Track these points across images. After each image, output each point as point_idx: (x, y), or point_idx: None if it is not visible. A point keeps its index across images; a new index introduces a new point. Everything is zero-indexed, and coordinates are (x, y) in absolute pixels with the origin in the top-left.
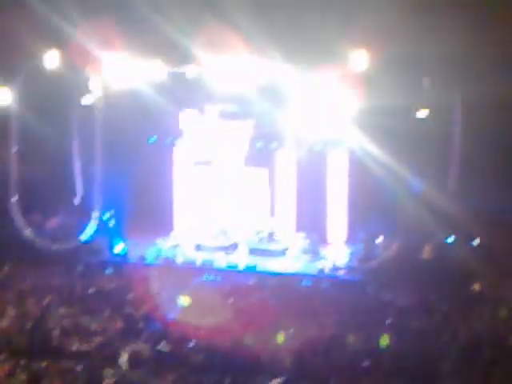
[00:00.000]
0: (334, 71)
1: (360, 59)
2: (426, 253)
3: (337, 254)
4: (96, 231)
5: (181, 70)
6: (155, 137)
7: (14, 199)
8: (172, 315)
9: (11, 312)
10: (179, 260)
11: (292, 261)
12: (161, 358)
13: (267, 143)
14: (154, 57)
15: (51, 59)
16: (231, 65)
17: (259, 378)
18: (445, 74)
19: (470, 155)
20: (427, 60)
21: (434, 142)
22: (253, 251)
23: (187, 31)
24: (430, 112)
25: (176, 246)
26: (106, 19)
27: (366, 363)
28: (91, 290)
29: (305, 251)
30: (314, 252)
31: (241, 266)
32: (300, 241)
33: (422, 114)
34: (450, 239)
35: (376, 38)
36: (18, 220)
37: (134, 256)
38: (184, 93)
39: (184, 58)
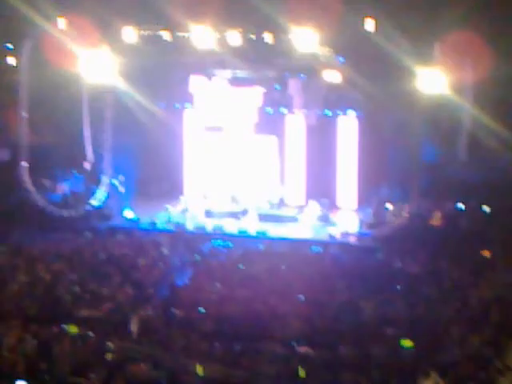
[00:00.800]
0: (345, 36)
1: (370, 25)
2: (436, 220)
3: (347, 221)
4: (106, 197)
5: (190, 35)
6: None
7: (24, 165)
8: (182, 281)
9: (22, 278)
10: (189, 226)
11: (302, 227)
12: (171, 325)
13: (277, 109)
14: (164, 23)
15: (61, 25)
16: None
17: (269, 344)
18: (457, 41)
19: (481, 123)
20: (439, 26)
21: (445, 110)
22: (263, 217)
23: None
24: (441, 79)
25: (186, 212)
26: None
27: (375, 329)
28: (101, 256)
29: (315, 217)
30: (324, 218)
31: (251, 232)
32: (310, 207)
33: (434, 80)
34: (461, 206)
35: (388, 5)
36: (29, 186)
37: (144, 221)
38: (193, 58)
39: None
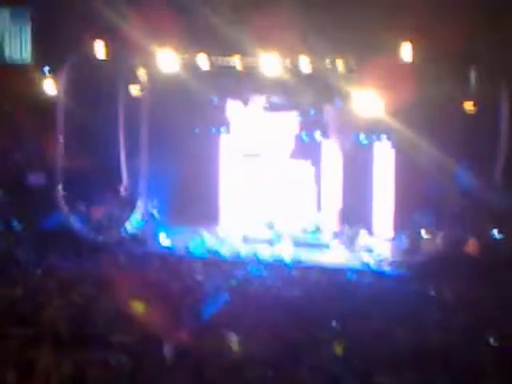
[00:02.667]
0: (381, 63)
1: (407, 51)
2: (473, 247)
3: (382, 248)
4: (141, 222)
5: (227, 60)
6: (198, 129)
7: (60, 189)
8: (216, 307)
9: (56, 302)
10: (224, 252)
11: (337, 254)
12: (203, 351)
13: (313, 135)
14: (201, 48)
15: (98, 49)
16: (277, 58)
17: (302, 370)
18: (493, 67)
19: None
20: (475, 53)
21: (481, 136)
22: (298, 244)
23: (236, 23)
24: (478, 105)
25: (222, 238)
26: (154, 10)
27: (411, 359)
28: (136, 281)
29: (350, 244)
30: (359, 245)
31: (286, 259)
32: (346, 234)
33: (470, 107)
34: (498, 234)
35: (423, 30)
36: (64, 210)
37: (179, 247)
38: (230, 83)
39: (231, 49)
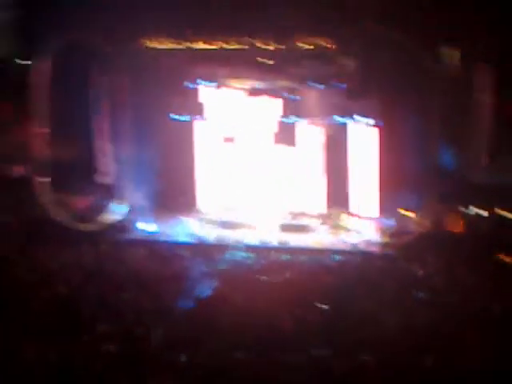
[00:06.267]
0: (357, 42)
1: (382, 29)
2: (458, 226)
3: (368, 229)
4: (125, 210)
5: (203, 45)
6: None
7: (43, 179)
8: (203, 293)
9: (41, 293)
10: (210, 237)
11: (324, 236)
12: (191, 336)
13: (293, 119)
14: (178, 33)
15: (75, 37)
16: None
17: (292, 355)
18: (469, 42)
19: (502, 129)
20: (447, 27)
21: (465, 115)
22: (284, 227)
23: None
24: (458, 83)
25: (205, 224)
26: None
27: (397, 338)
28: (121, 269)
29: (336, 226)
30: (345, 227)
31: (272, 243)
32: (331, 216)
33: (451, 85)
34: (483, 213)
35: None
36: (47, 200)
37: (162, 234)
38: (205, 68)
39: (207, 33)
